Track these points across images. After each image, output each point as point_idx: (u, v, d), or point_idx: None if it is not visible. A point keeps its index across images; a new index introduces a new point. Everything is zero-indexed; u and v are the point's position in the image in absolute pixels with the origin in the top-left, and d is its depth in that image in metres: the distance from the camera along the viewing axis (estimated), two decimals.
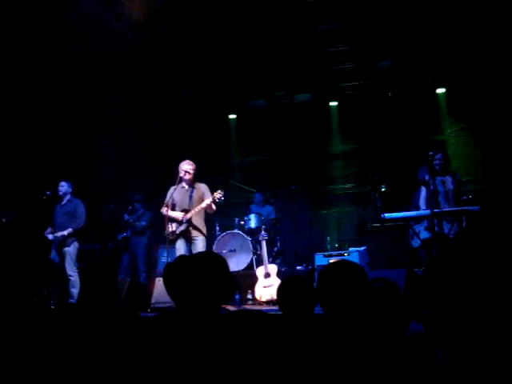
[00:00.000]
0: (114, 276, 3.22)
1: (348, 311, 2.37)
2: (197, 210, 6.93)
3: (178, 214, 7.00)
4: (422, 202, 6.94)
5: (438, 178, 6.85)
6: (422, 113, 9.87)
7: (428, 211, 6.39)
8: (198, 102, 11.16)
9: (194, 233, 7.02)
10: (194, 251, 6.90)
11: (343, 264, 2.62)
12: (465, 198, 6.76)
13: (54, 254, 7.76)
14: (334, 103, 10.90)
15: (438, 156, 6.82)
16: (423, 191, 6.95)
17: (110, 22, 8.38)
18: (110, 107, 10.57)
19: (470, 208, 6.42)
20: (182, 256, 3.27)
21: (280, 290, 3.16)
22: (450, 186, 6.88)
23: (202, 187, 7.17)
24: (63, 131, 9.70)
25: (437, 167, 6.83)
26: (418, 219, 6.86)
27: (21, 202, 8.16)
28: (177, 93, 10.98)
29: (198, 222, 7.05)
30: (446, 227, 6.68)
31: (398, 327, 2.12)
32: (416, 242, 7.15)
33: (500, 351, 2.01)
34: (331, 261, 7.90)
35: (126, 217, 9.55)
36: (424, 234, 6.94)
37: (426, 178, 6.80)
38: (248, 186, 10.62)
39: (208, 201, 6.90)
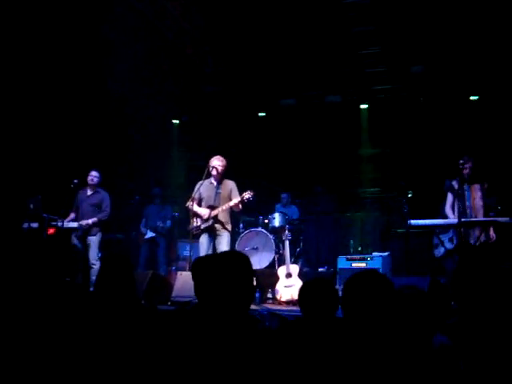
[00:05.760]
0: (130, 265, 3.24)
1: (372, 322, 2.33)
2: (224, 207, 6.83)
3: (203, 212, 6.91)
4: (448, 209, 6.86)
5: (466, 186, 6.76)
6: (453, 119, 9.67)
7: (455, 220, 6.29)
8: (228, 99, 11.14)
9: (219, 228, 6.92)
10: (218, 246, 6.85)
11: (370, 274, 2.58)
12: (492, 214, 6.63)
13: (76, 242, 7.86)
14: (364, 106, 10.83)
15: (467, 164, 6.70)
16: (449, 197, 6.87)
17: (147, 18, 8.44)
18: (139, 101, 10.64)
19: (499, 219, 6.32)
20: (213, 254, 3.28)
21: (302, 291, 3.13)
22: (478, 194, 6.78)
23: (230, 184, 7.04)
24: (92, 120, 9.76)
25: (465, 176, 6.73)
26: (444, 228, 6.77)
27: (48, 189, 8.22)
28: (206, 89, 10.99)
29: (224, 218, 6.94)
30: (472, 237, 6.60)
31: (425, 337, 2.08)
32: (439, 252, 7.07)
33: None
34: (353, 265, 7.86)
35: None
36: (448, 245, 6.86)
37: (454, 185, 6.72)
38: (273, 185, 10.60)
39: (236, 200, 6.79)
